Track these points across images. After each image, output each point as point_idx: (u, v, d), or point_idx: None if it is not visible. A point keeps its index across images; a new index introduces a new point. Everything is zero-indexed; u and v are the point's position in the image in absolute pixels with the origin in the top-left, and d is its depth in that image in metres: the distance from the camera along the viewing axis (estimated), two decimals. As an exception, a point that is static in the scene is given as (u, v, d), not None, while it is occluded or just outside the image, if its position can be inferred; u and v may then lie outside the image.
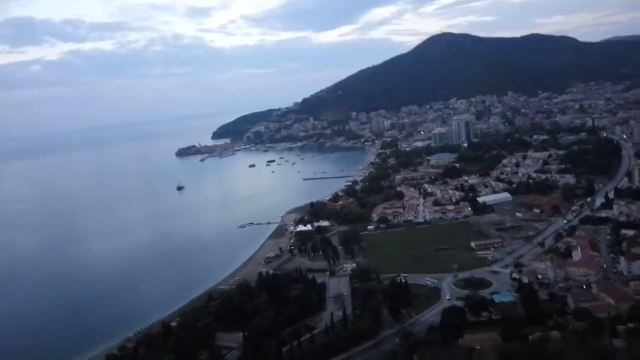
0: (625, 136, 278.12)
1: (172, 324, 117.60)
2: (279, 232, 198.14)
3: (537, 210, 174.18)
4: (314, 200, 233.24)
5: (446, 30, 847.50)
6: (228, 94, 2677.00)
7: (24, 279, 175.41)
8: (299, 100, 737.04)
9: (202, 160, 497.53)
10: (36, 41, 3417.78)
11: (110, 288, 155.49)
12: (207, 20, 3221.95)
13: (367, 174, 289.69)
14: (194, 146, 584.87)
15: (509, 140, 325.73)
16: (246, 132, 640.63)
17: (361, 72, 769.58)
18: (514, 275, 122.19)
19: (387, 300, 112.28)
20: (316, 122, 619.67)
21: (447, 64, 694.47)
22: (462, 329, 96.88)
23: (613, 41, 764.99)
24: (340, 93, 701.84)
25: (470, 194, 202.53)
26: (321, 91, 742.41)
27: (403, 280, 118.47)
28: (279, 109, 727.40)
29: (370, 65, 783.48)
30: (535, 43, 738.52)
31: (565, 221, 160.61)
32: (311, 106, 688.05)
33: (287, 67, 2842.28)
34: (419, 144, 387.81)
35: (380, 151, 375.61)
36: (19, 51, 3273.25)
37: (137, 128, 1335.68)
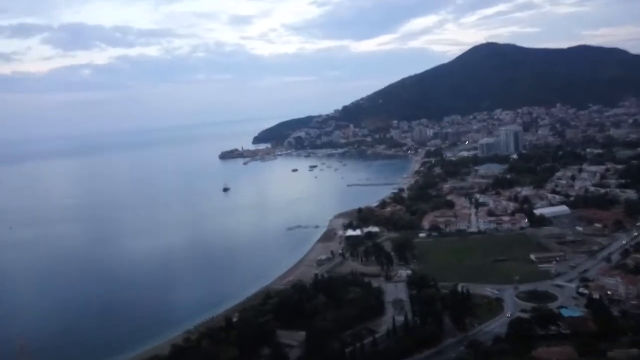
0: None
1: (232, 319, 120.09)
2: (328, 235, 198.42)
3: (598, 225, 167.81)
4: (359, 206, 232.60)
5: (489, 40, 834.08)
6: (267, 100, 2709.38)
7: (90, 270, 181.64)
8: (339, 107, 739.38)
9: (245, 163, 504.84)
10: (87, 46, 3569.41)
11: (167, 283, 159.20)
12: (248, 28, 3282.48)
13: (413, 182, 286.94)
14: (236, 150, 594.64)
15: (560, 152, 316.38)
16: (287, 138, 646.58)
17: (402, 81, 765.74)
18: (580, 290, 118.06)
19: (448, 308, 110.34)
20: (357, 129, 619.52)
21: (491, 73, 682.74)
22: (532, 342, 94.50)
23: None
24: (381, 101, 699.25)
25: (526, 206, 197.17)
26: (362, 99, 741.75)
27: (464, 289, 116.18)
28: (319, 116, 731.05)
29: (411, 74, 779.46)
30: (583, 54, 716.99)
31: (630, 237, 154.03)
32: (352, 114, 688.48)
33: (326, 75, 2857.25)
34: (465, 153, 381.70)
35: (424, 160, 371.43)
36: (71, 55, 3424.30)
37: (180, 131, 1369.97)
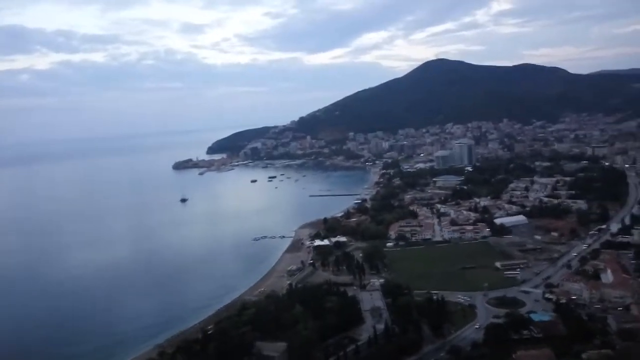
0: (627, 165, 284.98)
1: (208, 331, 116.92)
2: (295, 246, 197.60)
3: (555, 234, 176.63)
4: (323, 216, 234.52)
5: (440, 57, 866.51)
6: (219, 110, 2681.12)
7: (45, 286, 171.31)
8: (293, 118, 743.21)
9: (200, 174, 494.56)
10: (27, 50, 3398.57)
11: (132, 297, 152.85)
12: (200, 37, 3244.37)
13: (374, 193, 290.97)
14: (190, 160, 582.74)
15: (511, 165, 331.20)
16: (242, 148, 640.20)
17: (357, 94, 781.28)
18: (546, 295, 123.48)
19: (426, 315, 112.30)
20: (313, 140, 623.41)
21: (443, 88, 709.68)
22: (508, 346, 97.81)
23: (602, 74, 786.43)
24: (337, 113, 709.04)
25: (486, 215, 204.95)
26: (318, 111, 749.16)
27: (439, 297, 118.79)
28: (275, 127, 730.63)
29: (362, 87, 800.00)
30: (528, 72, 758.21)
31: (585, 245, 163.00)
32: (308, 125, 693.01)
33: (278, 86, 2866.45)
34: (421, 165, 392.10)
35: (383, 171, 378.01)
36: (8, 59, 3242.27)
37: (128, 140, 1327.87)
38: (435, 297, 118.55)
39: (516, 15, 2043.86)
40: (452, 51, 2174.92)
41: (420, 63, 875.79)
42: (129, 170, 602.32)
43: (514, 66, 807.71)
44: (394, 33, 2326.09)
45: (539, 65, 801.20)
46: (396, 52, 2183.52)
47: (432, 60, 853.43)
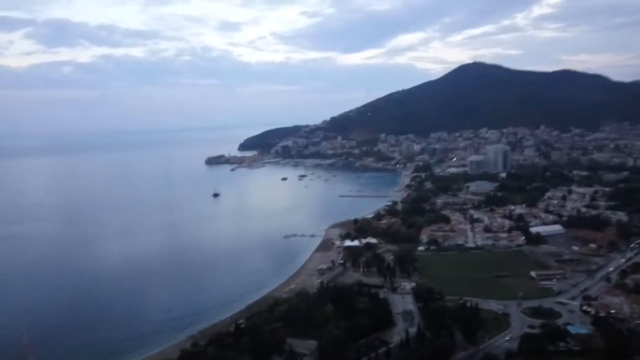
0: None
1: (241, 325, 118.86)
2: (326, 245, 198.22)
3: (593, 245, 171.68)
4: (353, 217, 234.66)
5: (476, 60, 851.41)
6: (252, 108, 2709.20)
7: (84, 273, 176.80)
8: (326, 118, 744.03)
9: (232, 169, 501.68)
10: (70, 43, 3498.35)
11: (167, 288, 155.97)
12: (237, 34, 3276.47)
13: (405, 196, 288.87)
14: (222, 156, 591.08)
15: (548, 173, 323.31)
16: (274, 146, 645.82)
17: (390, 95, 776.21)
18: (584, 308, 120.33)
19: (459, 321, 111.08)
20: (344, 141, 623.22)
21: (477, 93, 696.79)
22: (543, 357, 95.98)
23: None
24: (369, 114, 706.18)
25: (521, 223, 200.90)
26: (350, 111, 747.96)
27: (473, 303, 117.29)
28: (307, 126, 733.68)
29: (394, 89, 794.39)
30: (567, 79, 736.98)
31: (625, 258, 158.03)
32: (339, 125, 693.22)
33: (310, 85, 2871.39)
34: (453, 170, 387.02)
35: (414, 174, 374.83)
36: (53, 52, 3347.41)
37: (162, 134, 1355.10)
38: (468, 304, 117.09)
39: (557, 19, 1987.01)
40: (488, 54, 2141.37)
41: (456, 66, 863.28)
42: (164, 163, 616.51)
43: (553, 72, 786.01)
44: (430, 35, 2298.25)
45: (579, 72, 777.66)
46: (431, 54, 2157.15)
47: (468, 64, 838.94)
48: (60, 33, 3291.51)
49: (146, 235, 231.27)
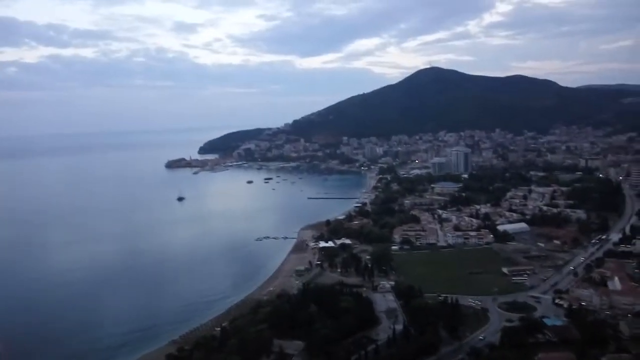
0: (621, 177, 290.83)
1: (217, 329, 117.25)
2: (300, 247, 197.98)
3: (557, 242, 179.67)
4: (323, 219, 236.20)
5: (431, 65, 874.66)
6: (209, 110, 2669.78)
7: (47, 281, 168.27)
8: (288, 121, 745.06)
9: (195, 173, 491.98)
10: (15, 43, 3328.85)
11: (139, 293, 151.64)
12: (193, 36, 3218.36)
13: (373, 197, 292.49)
14: (183, 159, 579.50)
15: (507, 174, 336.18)
16: (235, 149, 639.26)
17: (352, 99, 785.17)
18: (556, 301, 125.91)
19: (442, 317, 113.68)
20: (307, 144, 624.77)
21: (435, 97, 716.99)
22: (526, 349, 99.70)
23: (590, 88, 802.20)
24: (331, 117, 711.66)
25: (488, 222, 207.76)
26: (312, 114, 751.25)
27: (453, 300, 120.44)
28: (269, 129, 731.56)
29: (353, 93, 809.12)
30: (519, 84, 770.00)
31: (588, 254, 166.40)
32: (302, 128, 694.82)
33: (269, 88, 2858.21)
34: (417, 171, 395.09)
35: (380, 176, 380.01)
36: None
37: (117, 137, 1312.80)
38: (449, 300, 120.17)
39: (507, 27, 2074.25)
40: (442, 60, 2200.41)
41: (411, 70, 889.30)
42: (121, 167, 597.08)
43: (506, 77, 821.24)
44: (387, 40, 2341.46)
45: (531, 77, 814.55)
46: (387, 59, 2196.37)
47: (425, 68, 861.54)
48: (5, 31, 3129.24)
49: (111, 241, 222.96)
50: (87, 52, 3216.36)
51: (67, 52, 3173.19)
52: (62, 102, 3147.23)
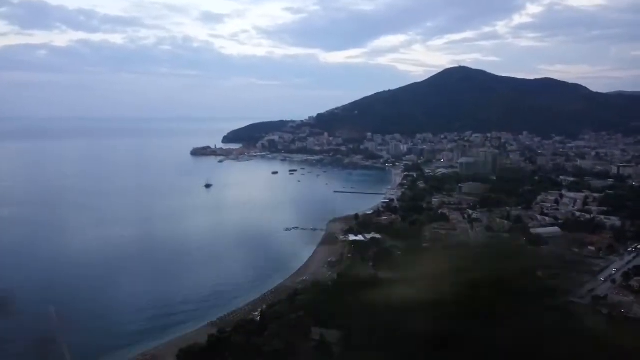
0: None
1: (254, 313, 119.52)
2: (330, 239, 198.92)
3: (592, 248, 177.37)
4: (350, 212, 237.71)
5: (461, 64, 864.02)
6: (233, 101, 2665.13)
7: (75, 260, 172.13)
8: (312, 114, 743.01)
9: (220, 161, 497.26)
10: (46, 26, 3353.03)
11: (172, 276, 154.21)
12: (219, 26, 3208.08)
13: (400, 194, 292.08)
14: (209, 147, 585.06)
15: (536, 177, 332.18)
16: (259, 140, 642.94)
17: (377, 95, 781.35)
18: (596, 307, 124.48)
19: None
20: (331, 138, 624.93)
21: (462, 96, 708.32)
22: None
23: (621, 94, 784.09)
24: (356, 112, 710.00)
25: (519, 225, 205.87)
26: (337, 109, 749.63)
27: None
28: (293, 121, 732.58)
29: (380, 89, 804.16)
30: (549, 87, 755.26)
31: (624, 261, 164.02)
32: (326, 122, 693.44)
33: (292, 81, 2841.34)
34: (443, 170, 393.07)
35: (405, 174, 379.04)
36: (28, 34, 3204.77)
37: (140, 123, 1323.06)
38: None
39: (536, 29, 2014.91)
40: (467, 60, 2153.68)
41: (436, 69, 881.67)
42: (147, 152, 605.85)
43: (535, 79, 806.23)
44: (413, 37, 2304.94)
45: (561, 81, 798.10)
46: (412, 57, 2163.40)
47: (453, 67, 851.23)
48: (37, 15, 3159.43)
49: (141, 224, 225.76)
50: (116, 38, 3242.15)
51: (96, 37, 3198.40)
52: (89, 86, 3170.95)
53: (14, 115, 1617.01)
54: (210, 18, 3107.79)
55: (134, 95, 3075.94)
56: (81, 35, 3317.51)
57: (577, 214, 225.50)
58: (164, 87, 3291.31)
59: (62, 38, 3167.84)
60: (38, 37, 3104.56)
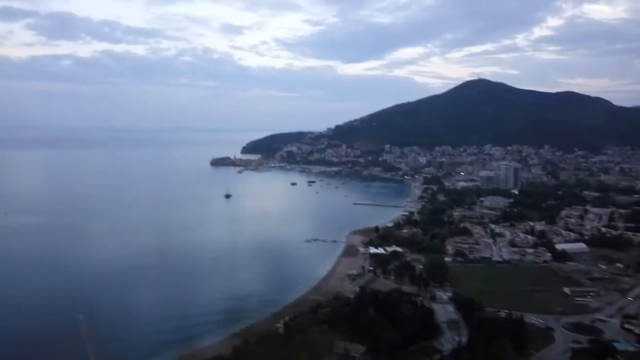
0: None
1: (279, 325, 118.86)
2: (350, 251, 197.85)
3: (620, 265, 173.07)
4: (369, 225, 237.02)
5: (481, 77, 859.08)
6: (250, 112, 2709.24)
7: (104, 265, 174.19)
8: (326, 126, 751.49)
9: (239, 172, 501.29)
10: (72, 37, 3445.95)
11: (194, 287, 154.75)
12: (239, 38, 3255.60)
13: (420, 207, 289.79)
14: (228, 157, 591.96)
15: (559, 192, 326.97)
16: (277, 151, 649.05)
17: (396, 107, 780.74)
18: (625, 325, 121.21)
19: (504, 333, 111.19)
20: (349, 149, 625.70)
21: (482, 109, 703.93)
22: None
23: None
24: (374, 124, 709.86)
25: (544, 240, 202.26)
26: (355, 120, 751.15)
27: (518, 315, 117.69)
28: (311, 133, 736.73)
29: (398, 101, 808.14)
30: (570, 101, 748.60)
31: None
32: (344, 133, 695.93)
33: (310, 93, 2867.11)
34: (462, 183, 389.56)
35: (425, 186, 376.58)
36: (53, 44, 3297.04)
37: (161, 134, 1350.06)
38: (514, 315, 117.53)
39: (557, 42, 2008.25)
40: (487, 72, 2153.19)
41: (454, 81, 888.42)
42: (168, 162, 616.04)
43: (556, 93, 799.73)
44: (431, 50, 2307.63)
45: (583, 95, 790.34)
46: (430, 69, 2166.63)
47: (473, 80, 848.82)
48: (63, 26, 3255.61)
49: (164, 233, 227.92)
50: (138, 49, 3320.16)
51: (119, 48, 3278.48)
52: (111, 96, 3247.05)
53: (39, 124, 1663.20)
54: (230, 30, 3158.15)
55: (155, 105, 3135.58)
56: (105, 45, 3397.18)
57: (603, 229, 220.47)
58: (183, 98, 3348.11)
59: (86, 49, 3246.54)
60: (63, 47, 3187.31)
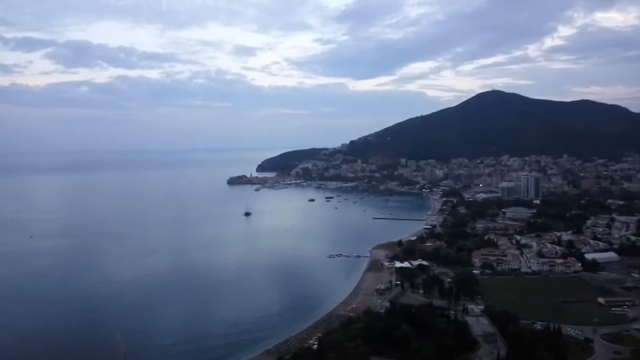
0: None
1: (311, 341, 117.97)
2: (375, 266, 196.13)
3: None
4: (391, 239, 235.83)
5: (494, 89, 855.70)
6: (264, 131, 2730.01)
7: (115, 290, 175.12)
8: (340, 142, 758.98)
9: (256, 190, 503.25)
10: (89, 64, 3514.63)
11: (224, 303, 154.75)
12: (251, 59, 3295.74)
13: (441, 220, 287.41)
14: (244, 176, 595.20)
15: (582, 201, 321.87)
16: (292, 168, 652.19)
17: (410, 121, 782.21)
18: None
19: (542, 345, 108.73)
20: (364, 164, 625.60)
21: (496, 120, 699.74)
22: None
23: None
24: (389, 139, 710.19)
25: (572, 250, 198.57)
26: (369, 135, 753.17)
27: (555, 327, 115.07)
28: (325, 149, 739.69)
29: (411, 116, 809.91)
30: (586, 109, 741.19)
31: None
32: (358, 149, 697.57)
33: (322, 110, 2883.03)
34: (482, 195, 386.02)
35: (444, 199, 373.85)
36: (71, 72, 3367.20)
37: (178, 155, 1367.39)
38: (551, 327, 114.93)
39: (569, 51, 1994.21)
40: (498, 84, 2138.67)
41: (466, 94, 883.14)
42: (185, 183, 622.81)
43: (572, 102, 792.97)
44: (442, 63, 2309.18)
45: (599, 103, 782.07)
46: (441, 82, 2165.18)
47: (486, 92, 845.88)
48: (80, 54, 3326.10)
49: (191, 252, 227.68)
50: (153, 74, 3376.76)
51: (134, 73, 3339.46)
52: (127, 120, 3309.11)
53: (58, 149, 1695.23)
54: (242, 51, 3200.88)
55: (170, 127, 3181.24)
56: (120, 71, 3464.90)
57: (632, 238, 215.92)
58: (197, 119, 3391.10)
59: (102, 75, 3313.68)
60: (80, 74, 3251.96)
